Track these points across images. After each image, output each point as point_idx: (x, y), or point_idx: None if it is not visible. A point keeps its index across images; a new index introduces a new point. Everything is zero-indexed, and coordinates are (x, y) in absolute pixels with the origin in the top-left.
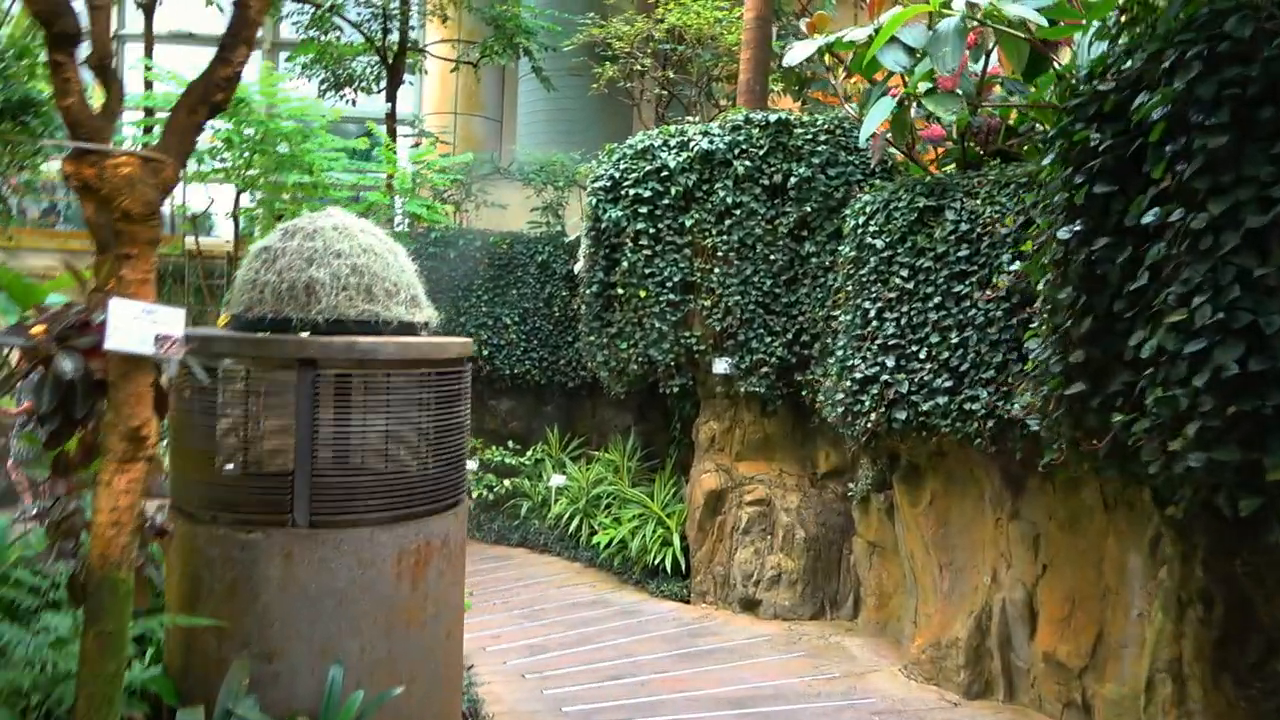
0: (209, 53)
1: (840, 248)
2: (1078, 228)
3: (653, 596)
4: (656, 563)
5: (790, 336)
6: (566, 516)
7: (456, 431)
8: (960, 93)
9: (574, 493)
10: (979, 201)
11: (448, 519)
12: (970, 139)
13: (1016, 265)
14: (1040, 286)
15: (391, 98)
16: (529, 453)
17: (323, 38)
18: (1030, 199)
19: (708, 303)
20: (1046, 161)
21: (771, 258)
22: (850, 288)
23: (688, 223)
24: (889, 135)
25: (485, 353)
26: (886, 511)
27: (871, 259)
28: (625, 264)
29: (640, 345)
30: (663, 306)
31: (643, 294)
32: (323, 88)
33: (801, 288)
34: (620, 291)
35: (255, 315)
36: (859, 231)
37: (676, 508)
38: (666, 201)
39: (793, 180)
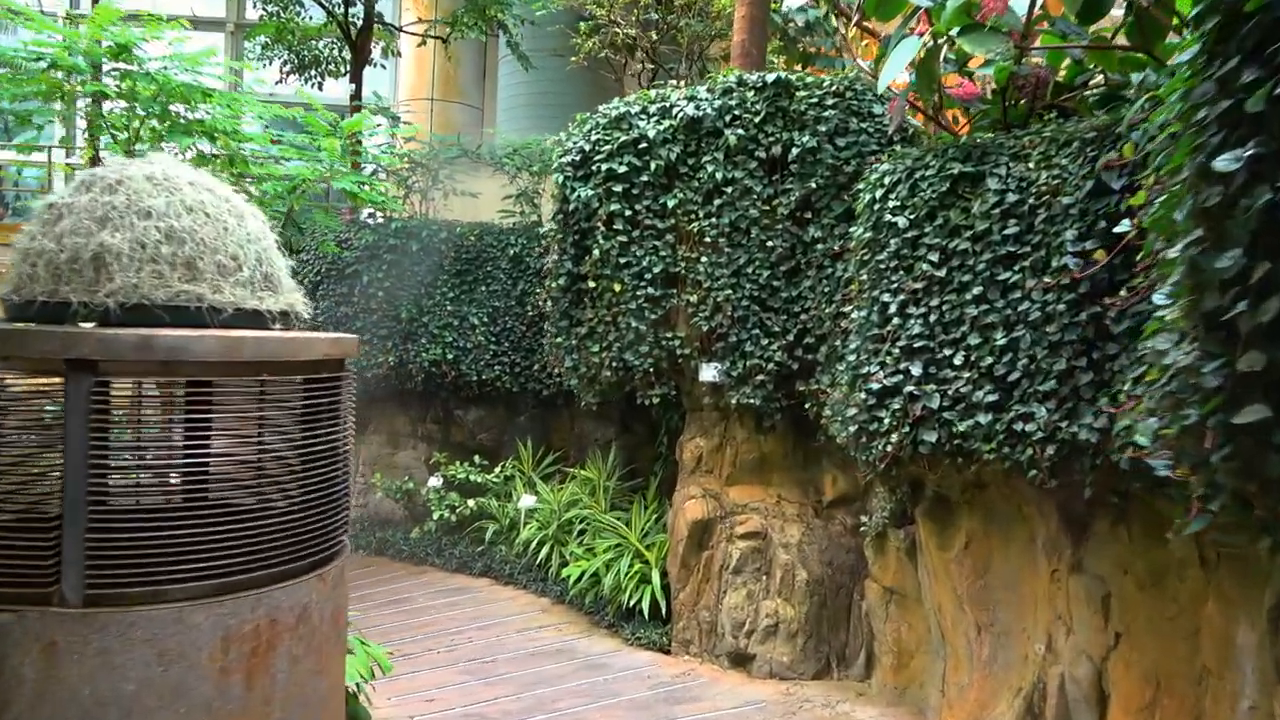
0: None
1: (852, 229)
2: (1252, 151)
3: (627, 644)
4: (633, 604)
5: (791, 338)
6: (535, 543)
7: (328, 462)
8: (1005, 30)
9: (545, 516)
10: (1031, 165)
11: (307, 586)
12: (1013, 94)
13: (1087, 245)
14: (1176, 252)
15: (356, 79)
16: (498, 469)
17: (283, 14)
18: (1159, 118)
19: (693, 298)
20: (1186, 57)
21: (769, 244)
22: (865, 278)
23: (670, 203)
24: (911, 95)
25: (450, 356)
26: (907, 551)
27: (892, 241)
28: (597, 252)
29: (614, 348)
30: (641, 302)
31: (617, 287)
32: (284, 70)
33: (805, 280)
34: (591, 285)
35: (24, 298)
36: (876, 208)
37: (659, 538)
38: (645, 178)
39: (794, 152)
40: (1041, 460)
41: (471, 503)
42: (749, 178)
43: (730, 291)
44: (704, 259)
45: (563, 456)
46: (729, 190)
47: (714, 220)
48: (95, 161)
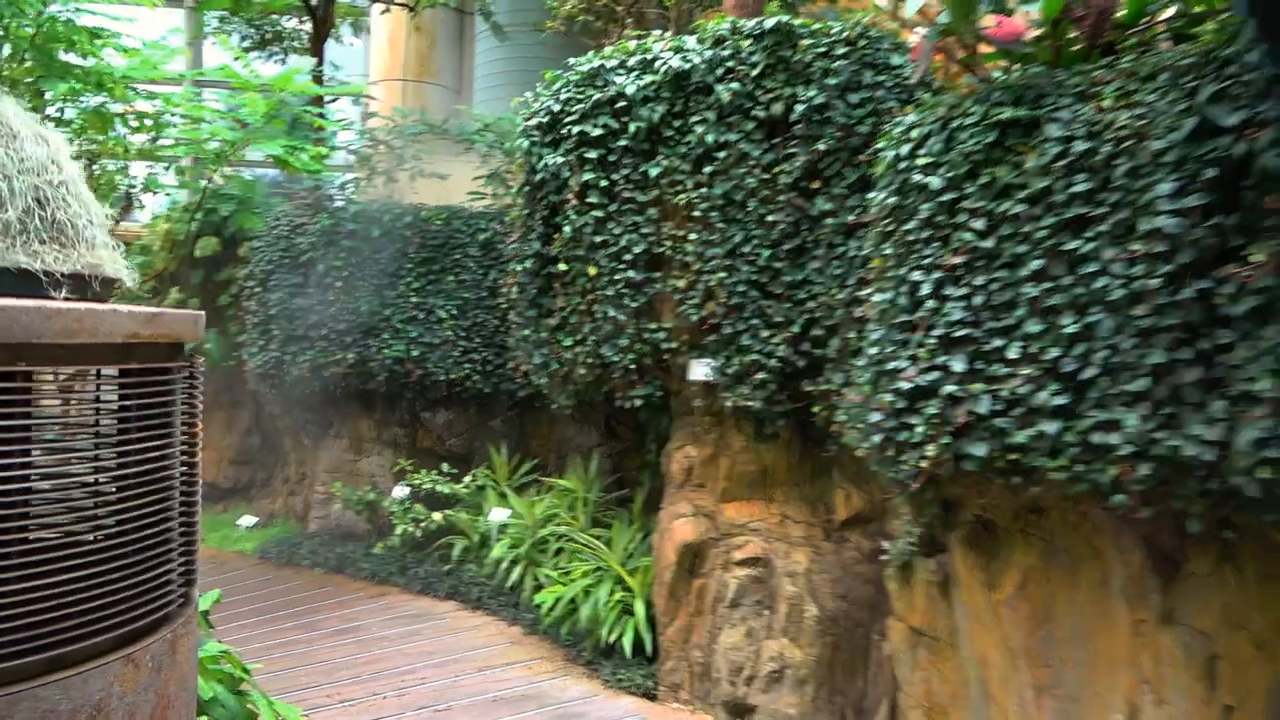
0: None
1: (870, 197)
2: None
3: (607, 687)
4: (614, 639)
5: (796, 329)
6: (507, 563)
7: (150, 490)
8: None
9: (518, 532)
10: (1105, 105)
11: (104, 674)
12: (1065, 30)
13: (1189, 201)
14: None
15: (317, 53)
16: (468, 478)
17: None
18: None
19: (681, 283)
20: None
21: (769, 219)
22: (889, 252)
23: (653, 172)
24: (938, 37)
25: (415, 354)
26: (940, 586)
27: (922, 207)
28: (568, 230)
29: (590, 341)
30: (619, 288)
31: (592, 271)
32: (244, 47)
33: (812, 260)
34: (562, 268)
35: None
36: (902, 167)
37: (644, 561)
38: (624, 143)
39: (799, 110)
40: (1130, 482)
41: (438, 516)
42: (745, 141)
43: (724, 275)
44: (693, 237)
45: (540, 465)
46: (722, 156)
47: (705, 191)
48: None
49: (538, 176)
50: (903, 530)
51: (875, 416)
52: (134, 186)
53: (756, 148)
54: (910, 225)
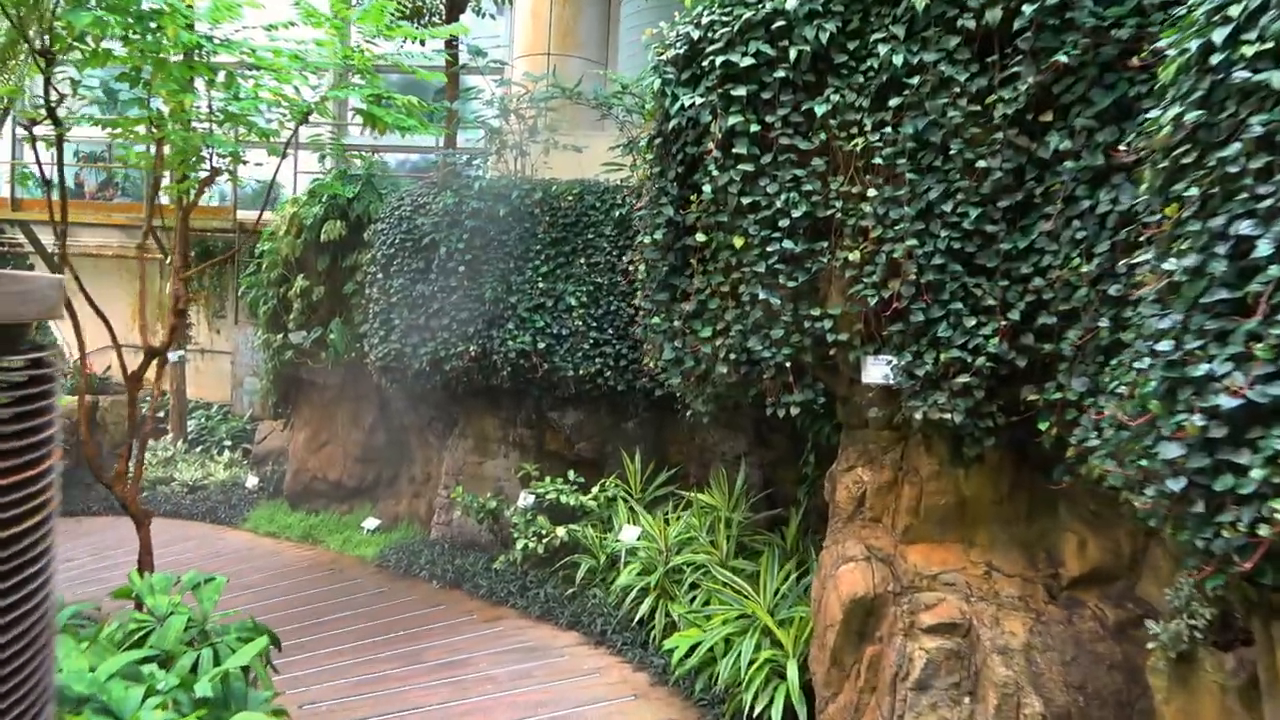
0: None
1: (1149, 118)
2: None
3: None
4: (759, 710)
5: (1016, 316)
6: (635, 593)
7: None
8: None
9: (649, 556)
10: None
11: None
12: None
13: None
14: None
15: (454, 20)
16: (597, 488)
17: None
18: None
19: (855, 255)
20: None
21: (980, 166)
22: (1192, 194)
23: (820, 110)
24: None
25: (541, 346)
26: (1241, 693)
27: (1255, 121)
28: (709, 190)
29: (733, 333)
30: (773, 264)
31: (738, 242)
32: (389, 21)
33: (1040, 221)
34: (700, 239)
35: None
36: (1214, 63)
37: (800, 611)
38: (781, 74)
39: (1026, 13)
40: None
41: (562, 531)
42: (947, 62)
43: (915, 243)
44: (872, 193)
45: (679, 475)
46: (914, 84)
47: (889, 133)
48: None
49: (672, 124)
50: (1177, 603)
51: (1171, 450)
52: (223, 155)
53: (963, 70)
54: (1230, 150)
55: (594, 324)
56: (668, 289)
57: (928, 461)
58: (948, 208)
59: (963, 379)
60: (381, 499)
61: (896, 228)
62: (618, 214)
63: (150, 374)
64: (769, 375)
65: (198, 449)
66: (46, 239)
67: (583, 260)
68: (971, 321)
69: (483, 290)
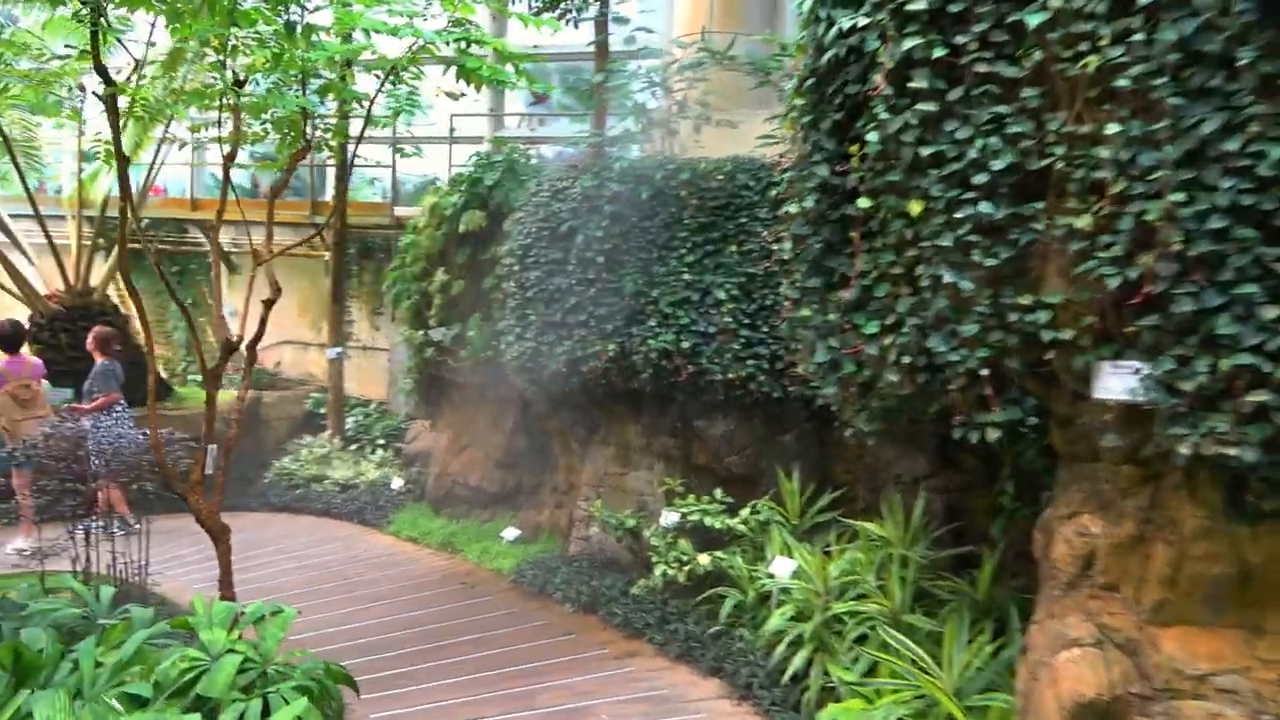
0: None
1: None
2: None
3: None
4: None
5: None
6: (788, 642)
7: None
8: None
9: (804, 597)
10: None
11: None
12: None
13: None
14: None
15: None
16: (747, 510)
17: None
18: None
19: (1084, 221)
20: None
21: None
22: None
23: (1034, 21)
24: None
25: (686, 345)
26: None
27: None
28: (875, 140)
29: (908, 328)
30: (964, 235)
31: (915, 208)
32: (535, 7)
33: None
34: (864, 206)
35: None
36: None
37: (998, 701)
38: None
39: None
40: None
41: (705, 559)
42: None
43: (1180, 198)
44: (1113, 130)
45: (844, 498)
46: None
47: (1139, 43)
48: None
49: (826, 57)
50: None
51: None
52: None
53: None
54: None
55: (746, 321)
56: (821, 272)
57: (1193, 513)
58: (1232, 146)
59: (1256, 397)
60: (523, 508)
61: (1150, 179)
62: (774, 193)
63: (318, 370)
64: (958, 386)
65: (352, 447)
66: (223, 237)
67: (733, 248)
68: (1272, 313)
69: (622, 283)
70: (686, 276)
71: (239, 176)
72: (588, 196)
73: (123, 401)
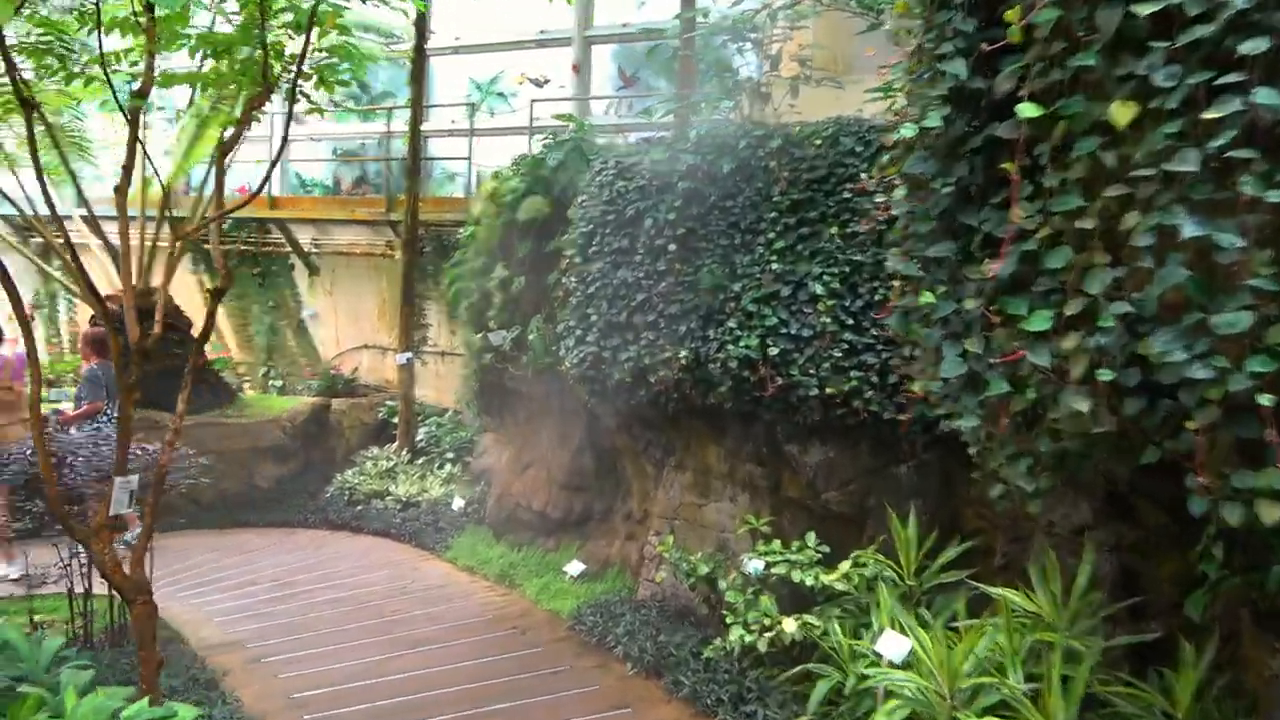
0: None
1: None
2: None
3: None
4: None
5: None
6: None
7: None
8: None
9: (922, 697)
10: None
11: None
12: None
13: None
14: None
15: None
16: (848, 563)
17: None
18: None
19: None
20: None
21: None
22: None
23: None
24: None
25: (775, 352)
26: None
27: None
28: (1053, 7)
29: (1110, 323)
30: (1218, 152)
31: (1122, 113)
32: None
33: None
34: (1028, 117)
35: None
36: None
37: None
38: None
39: None
40: None
41: (793, 625)
42: None
43: None
44: None
45: (977, 551)
46: None
47: None
48: None
49: None
50: None
51: None
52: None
53: None
54: None
55: (849, 321)
56: (951, 233)
57: None
58: None
59: None
60: (591, 537)
61: None
62: (887, 159)
63: (391, 376)
64: (1205, 423)
65: (420, 460)
66: (303, 237)
67: (834, 230)
68: None
69: (697, 275)
70: (775, 266)
71: (319, 172)
72: (658, 174)
73: (109, 410)
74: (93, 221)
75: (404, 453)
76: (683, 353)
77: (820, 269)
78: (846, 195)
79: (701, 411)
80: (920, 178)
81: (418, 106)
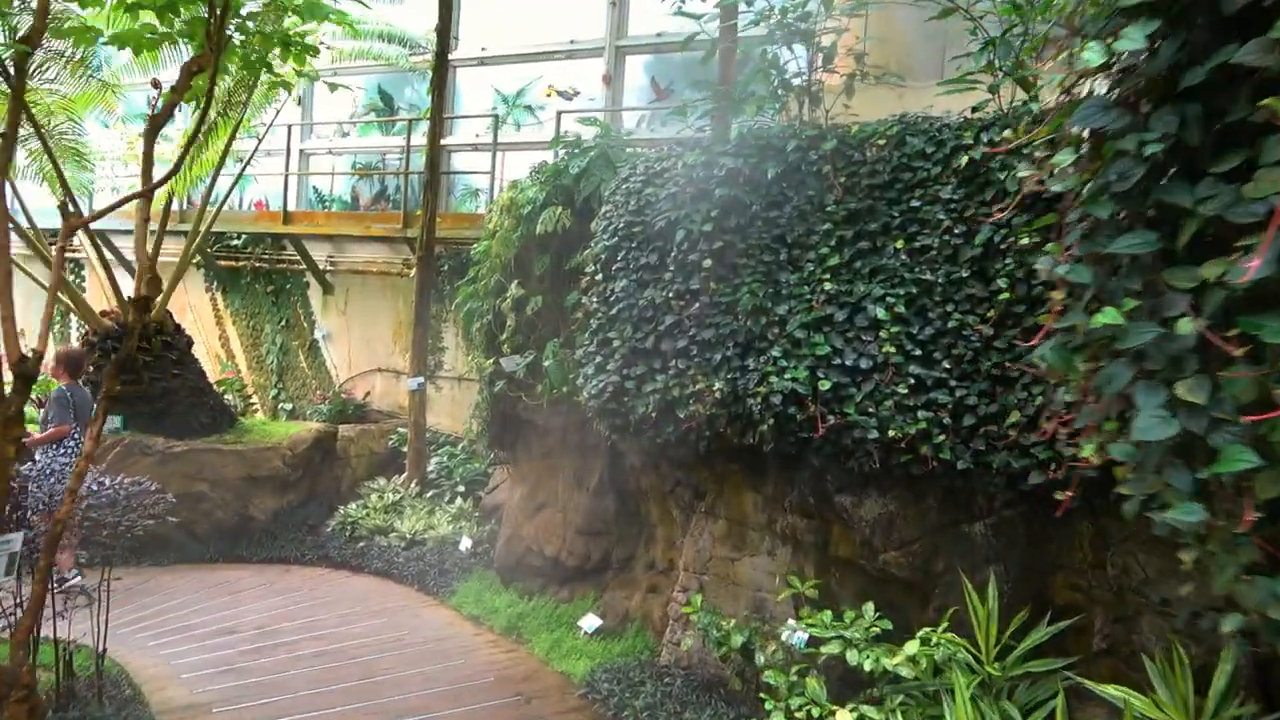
0: None
1: None
2: None
3: None
4: None
5: None
6: None
7: None
8: None
9: None
10: None
11: None
12: None
13: None
14: None
15: None
16: (915, 643)
17: None
18: None
19: None
20: None
21: None
22: None
23: None
24: None
25: (826, 386)
26: None
27: None
28: None
29: None
30: None
31: None
32: None
33: None
34: None
35: None
36: None
37: None
38: None
39: None
40: None
41: (848, 718)
42: None
43: None
44: None
45: (1073, 631)
46: None
47: None
48: None
49: None
50: None
51: None
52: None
53: None
54: None
55: (917, 352)
56: (1147, 220)
57: None
58: None
59: None
60: (609, 588)
61: None
62: (964, 161)
63: (404, 401)
64: None
65: (429, 493)
66: (318, 254)
67: (899, 244)
68: None
69: (736, 295)
70: (828, 286)
71: (340, 187)
72: (692, 180)
73: (75, 434)
74: (96, 235)
75: (413, 485)
76: (717, 385)
77: (882, 290)
78: (915, 204)
79: (738, 452)
80: (1100, 134)
81: (437, 118)
